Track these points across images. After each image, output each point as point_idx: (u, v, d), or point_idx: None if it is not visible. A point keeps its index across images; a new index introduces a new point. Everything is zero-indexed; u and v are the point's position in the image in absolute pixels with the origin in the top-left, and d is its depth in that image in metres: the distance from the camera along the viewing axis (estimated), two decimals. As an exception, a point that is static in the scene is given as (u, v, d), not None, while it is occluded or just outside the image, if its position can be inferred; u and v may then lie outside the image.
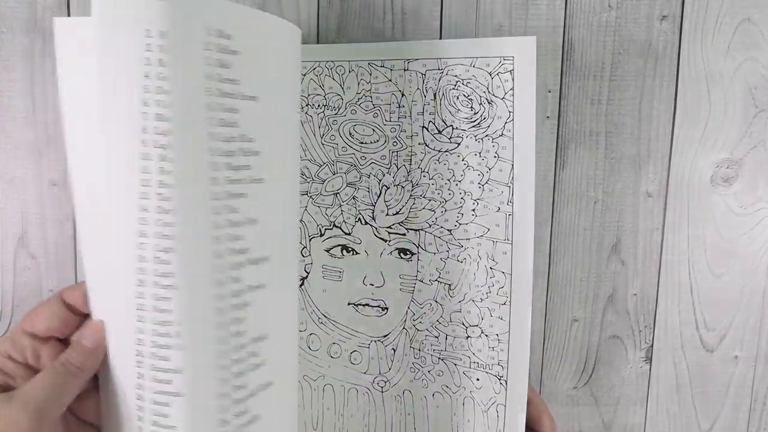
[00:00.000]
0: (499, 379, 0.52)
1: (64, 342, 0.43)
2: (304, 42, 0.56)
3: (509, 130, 0.51)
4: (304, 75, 0.53)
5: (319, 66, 0.53)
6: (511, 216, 0.51)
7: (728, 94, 0.58)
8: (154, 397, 0.39)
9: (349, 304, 0.54)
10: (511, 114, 0.51)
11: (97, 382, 0.42)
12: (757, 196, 0.59)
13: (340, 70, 0.53)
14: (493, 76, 0.51)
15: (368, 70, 0.52)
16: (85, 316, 0.43)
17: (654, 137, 0.58)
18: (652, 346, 0.61)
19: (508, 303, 0.52)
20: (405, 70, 0.52)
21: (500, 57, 0.51)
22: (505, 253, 0.52)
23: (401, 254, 0.53)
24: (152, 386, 0.39)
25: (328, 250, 0.53)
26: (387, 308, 0.53)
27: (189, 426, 0.39)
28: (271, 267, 0.42)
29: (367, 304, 0.53)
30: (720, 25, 0.57)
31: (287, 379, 0.44)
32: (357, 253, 0.53)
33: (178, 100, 0.36)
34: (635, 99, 0.58)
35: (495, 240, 0.52)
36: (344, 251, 0.53)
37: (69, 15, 0.55)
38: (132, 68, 0.36)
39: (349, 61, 0.53)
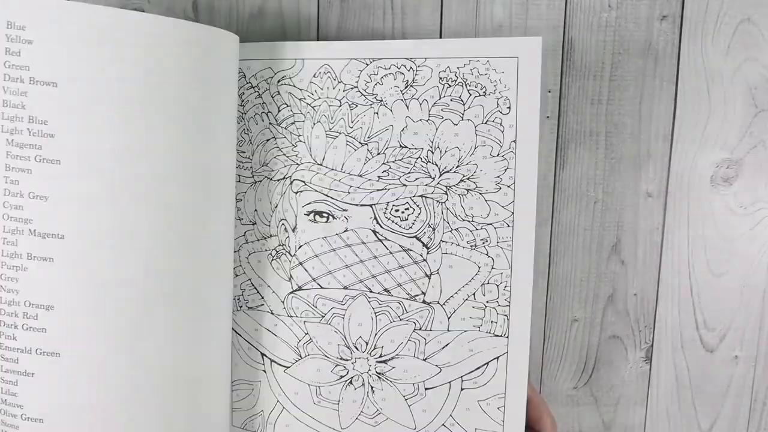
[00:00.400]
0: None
1: None
2: (305, 39, 0.56)
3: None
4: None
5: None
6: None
7: (728, 94, 0.58)
8: None
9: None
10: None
11: None
12: (757, 196, 0.59)
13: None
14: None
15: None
16: None
17: (654, 137, 0.58)
18: (652, 346, 0.61)
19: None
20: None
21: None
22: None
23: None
24: None
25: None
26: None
27: None
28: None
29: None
30: (720, 25, 0.57)
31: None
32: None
33: None
34: (635, 99, 0.58)
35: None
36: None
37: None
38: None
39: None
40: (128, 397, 0.47)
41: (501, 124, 0.51)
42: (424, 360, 0.53)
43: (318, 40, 0.56)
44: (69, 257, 0.44)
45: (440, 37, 0.57)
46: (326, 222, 0.53)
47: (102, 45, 0.43)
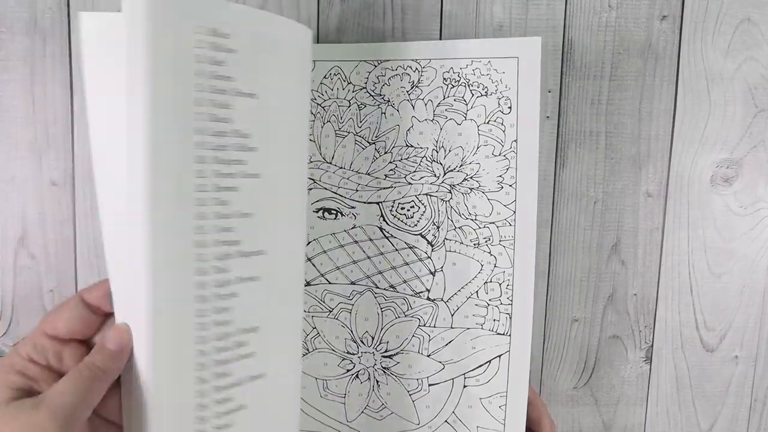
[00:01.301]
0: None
1: (85, 343, 0.43)
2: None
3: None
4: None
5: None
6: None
7: (728, 94, 0.58)
8: None
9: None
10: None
11: (118, 381, 0.42)
12: (757, 196, 0.59)
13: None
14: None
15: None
16: (106, 316, 0.43)
17: (654, 137, 0.58)
18: (652, 346, 0.61)
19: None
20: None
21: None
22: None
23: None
24: None
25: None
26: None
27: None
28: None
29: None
30: (720, 25, 0.57)
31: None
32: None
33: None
34: (635, 99, 0.58)
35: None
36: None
37: (69, 14, 0.55)
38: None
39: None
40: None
41: (502, 123, 0.51)
42: (428, 356, 0.53)
43: (318, 40, 0.56)
44: (271, 272, 0.42)
45: (440, 37, 0.57)
46: (335, 219, 0.54)
47: (289, 57, 0.42)
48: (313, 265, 0.54)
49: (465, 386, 0.53)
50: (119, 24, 0.37)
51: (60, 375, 0.40)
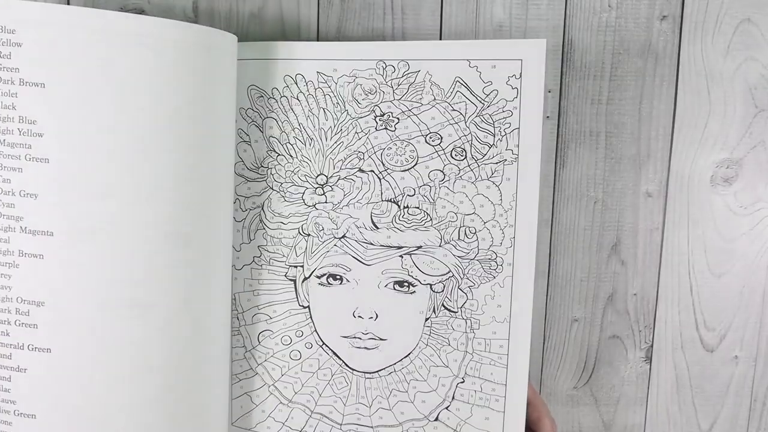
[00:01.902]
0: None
1: None
2: (305, 40, 0.56)
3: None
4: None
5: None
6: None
7: (728, 94, 0.58)
8: None
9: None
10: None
11: None
12: (757, 196, 0.59)
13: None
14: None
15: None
16: None
17: (654, 137, 0.58)
18: (652, 346, 0.61)
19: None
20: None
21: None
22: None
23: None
24: None
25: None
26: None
27: None
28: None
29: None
30: (720, 25, 0.57)
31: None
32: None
33: None
34: (635, 99, 0.58)
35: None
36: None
37: None
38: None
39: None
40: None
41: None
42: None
43: (318, 40, 0.56)
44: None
45: (440, 37, 0.56)
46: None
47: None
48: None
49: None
50: None
51: None
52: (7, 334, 0.45)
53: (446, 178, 0.52)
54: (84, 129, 0.45)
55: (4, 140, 0.44)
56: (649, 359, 0.61)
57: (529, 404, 0.53)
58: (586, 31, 0.57)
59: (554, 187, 0.59)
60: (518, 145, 0.51)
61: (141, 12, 0.55)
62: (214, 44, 0.48)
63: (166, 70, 0.46)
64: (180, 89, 0.47)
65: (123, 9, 0.55)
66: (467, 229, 0.52)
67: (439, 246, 0.53)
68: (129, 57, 0.45)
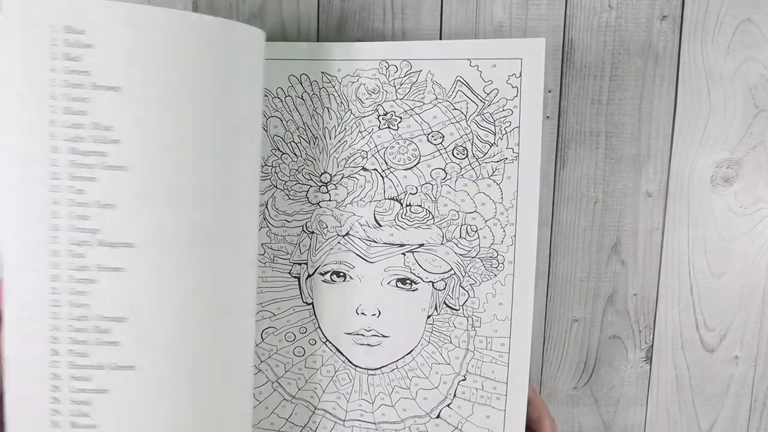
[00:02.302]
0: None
1: None
2: (305, 40, 0.56)
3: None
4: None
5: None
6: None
7: (728, 94, 0.58)
8: None
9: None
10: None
11: None
12: (757, 196, 0.59)
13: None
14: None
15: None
16: None
17: (654, 137, 0.58)
18: (652, 346, 0.61)
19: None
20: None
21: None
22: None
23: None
24: None
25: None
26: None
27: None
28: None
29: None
30: (720, 25, 0.57)
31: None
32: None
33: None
34: (635, 99, 0.58)
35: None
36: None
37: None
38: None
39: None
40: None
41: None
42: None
43: (318, 40, 0.56)
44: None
45: (440, 37, 0.57)
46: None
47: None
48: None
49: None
50: None
51: None
52: (87, 356, 0.43)
53: (448, 177, 0.52)
54: (161, 133, 0.43)
55: (76, 148, 0.42)
56: (649, 359, 0.61)
57: (529, 403, 0.53)
58: (586, 31, 0.57)
59: (554, 187, 0.59)
60: (518, 144, 0.51)
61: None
62: (256, 44, 0.47)
63: (231, 72, 0.45)
64: (241, 90, 0.46)
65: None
66: (468, 227, 0.52)
67: (441, 244, 0.53)
68: (199, 57, 0.44)
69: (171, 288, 0.44)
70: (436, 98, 0.52)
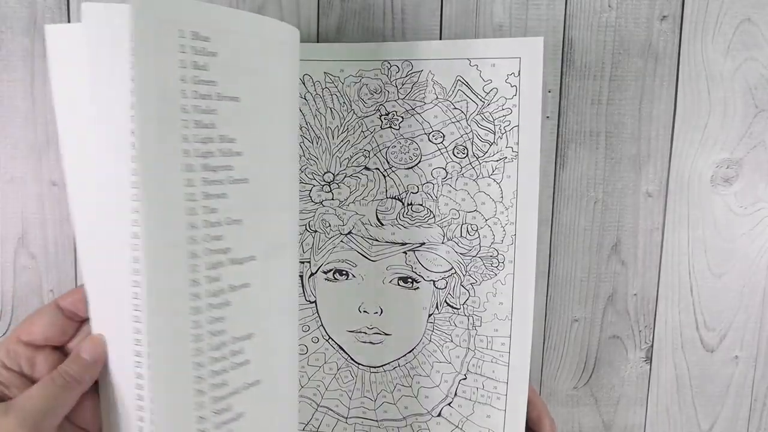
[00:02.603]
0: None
1: (59, 350, 0.43)
2: (304, 41, 0.56)
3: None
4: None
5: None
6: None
7: (728, 94, 0.58)
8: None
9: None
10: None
11: (94, 389, 0.41)
12: (757, 196, 0.59)
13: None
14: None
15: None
16: (82, 323, 0.43)
17: (654, 137, 0.58)
18: (652, 346, 0.61)
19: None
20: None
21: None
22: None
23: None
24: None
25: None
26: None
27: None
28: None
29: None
30: (720, 25, 0.57)
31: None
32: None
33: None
34: (635, 99, 0.58)
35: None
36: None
37: (69, 14, 0.55)
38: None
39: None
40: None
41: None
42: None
43: (318, 40, 0.56)
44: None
45: (440, 37, 0.57)
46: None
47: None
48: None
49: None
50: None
51: (32, 382, 0.40)
52: (226, 384, 0.41)
53: (448, 176, 0.52)
54: (272, 143, 0.42)
55: (207, 164, 0.39)
56: (649, 359, 0.61)
57: (529, 403, 0.53)
58: (586, 31, 0.57)
59: (554, 187, 0.59)
60: (518, 143, 0.51)
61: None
62: (297, 45, 0.47)
63: (296, 76, 0.45)
64: (297, 94, 0.47)
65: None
66: (469, 226, 0.52)
67: (442, 243, 0.53)
68: (290, 64, 0.43)
69: (282, 295, 0.44)
70: (437, 98, 0.52)
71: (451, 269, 0.53)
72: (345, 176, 0.53)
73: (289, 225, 0.45)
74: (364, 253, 0.53)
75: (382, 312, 0.54)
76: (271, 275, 0.43)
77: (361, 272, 0.54)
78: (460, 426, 0.54)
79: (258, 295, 0.42)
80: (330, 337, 0.54)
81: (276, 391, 0.44)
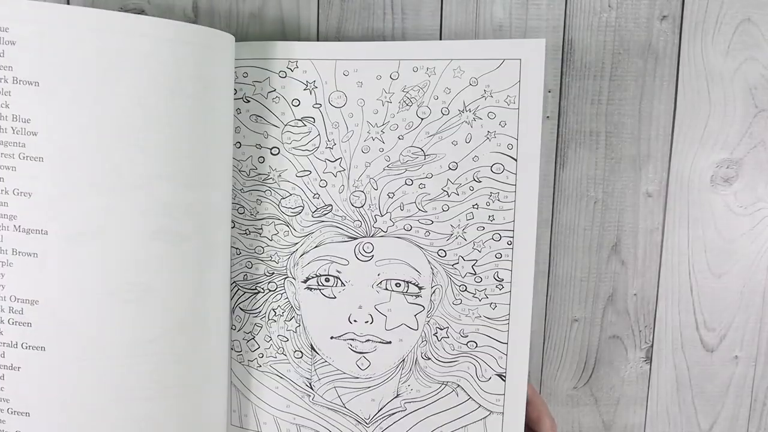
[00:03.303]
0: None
1: None
2: (305, 40, 0.56)
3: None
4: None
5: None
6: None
7: (728, 94, 0.58)
8: None
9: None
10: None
11: None
12: (757, 196, 0.59)
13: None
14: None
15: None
16: None
17: (654, 137, 0.58)
18: (652, 346, 0.61)
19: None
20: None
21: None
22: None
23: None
24: None
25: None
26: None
27: None
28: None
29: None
30: (720, 25, 0.57)
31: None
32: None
33: None
34: (635, 99, 0.58)
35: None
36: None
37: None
38: None
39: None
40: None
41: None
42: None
43: (318, 40, 0.56)
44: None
45: (440, 37, 0.57)
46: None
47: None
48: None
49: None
50: None
51: None
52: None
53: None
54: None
55: None
56: (649, 359, 0.61)
57: (529, 403, 0.53)
58: (586, 31, 0.57)
59: (554, 187, 0.59)
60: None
61: (141, 12, 0.55)
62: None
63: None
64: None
65: (123, 9, 0.55)
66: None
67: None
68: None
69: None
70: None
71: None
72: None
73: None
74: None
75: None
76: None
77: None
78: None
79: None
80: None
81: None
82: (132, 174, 0.46)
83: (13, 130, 0.44)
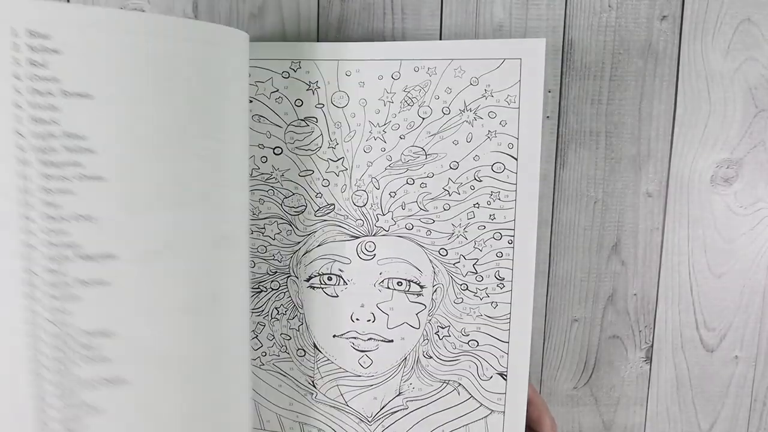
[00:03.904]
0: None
1: None
2: (305, 40, 0.56)
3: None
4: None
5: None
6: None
7: (728, 94, 0.58)
8: None
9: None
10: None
11: None
12: (757, 196, 0.59)
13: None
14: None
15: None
16: None
17: (654, 137, 0.58)
18: (652, 346, 0.61)
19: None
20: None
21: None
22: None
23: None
24: None
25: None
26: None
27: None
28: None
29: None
30: (720, 25, 0.57)
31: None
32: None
33: None
34: (635, 99, 0.58)
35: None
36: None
37: None
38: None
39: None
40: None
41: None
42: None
43: (318, 40, 0.56)
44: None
45: (440, 37, 0.57)
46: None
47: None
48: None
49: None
50: None
51: None
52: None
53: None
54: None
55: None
56: (649, 359, 0.61)
57: (529, 403, 0.53)
58: (586, 31, 0.57)
59: (554, 187, 0.59)
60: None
61: (141, 12, 0.55)
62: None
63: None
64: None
65: (123, 9, 0.55)
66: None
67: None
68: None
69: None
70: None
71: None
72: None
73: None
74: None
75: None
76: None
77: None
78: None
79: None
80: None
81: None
82: (196, 184, 0.44)
83: (67, 149, 0.39)
